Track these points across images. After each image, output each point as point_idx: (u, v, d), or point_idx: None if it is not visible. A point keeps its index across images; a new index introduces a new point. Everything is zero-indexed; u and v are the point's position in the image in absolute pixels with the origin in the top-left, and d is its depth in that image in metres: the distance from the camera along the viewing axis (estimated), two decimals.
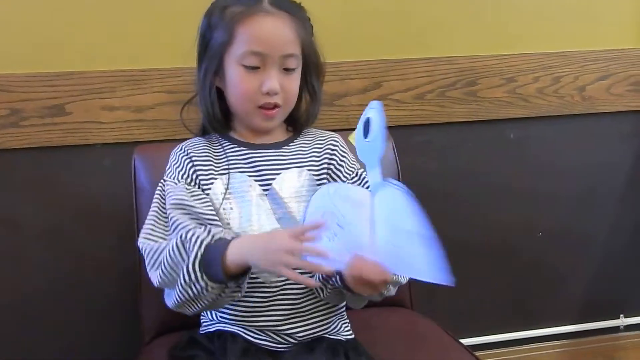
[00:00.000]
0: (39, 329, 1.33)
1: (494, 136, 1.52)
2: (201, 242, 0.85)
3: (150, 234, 0.95)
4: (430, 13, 1.43)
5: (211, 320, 1.02)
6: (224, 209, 0.97)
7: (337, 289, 0.93)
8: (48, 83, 1.26)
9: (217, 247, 0.85)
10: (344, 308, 1.05)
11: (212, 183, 0.98)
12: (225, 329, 0.98)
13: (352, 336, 1.04)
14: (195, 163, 0.99)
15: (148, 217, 0.98)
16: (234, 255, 0.84)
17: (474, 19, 1.46)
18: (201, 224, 0.91)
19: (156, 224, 0.96)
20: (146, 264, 0.93)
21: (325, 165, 1.02)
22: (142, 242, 0.94)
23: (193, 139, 1.04)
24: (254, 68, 0.95)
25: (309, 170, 1.01)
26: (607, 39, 1.53)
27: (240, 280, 0.87)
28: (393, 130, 1.31)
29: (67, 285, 1.33)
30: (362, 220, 0.84)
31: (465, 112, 1.47)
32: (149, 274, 0.93)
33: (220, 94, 1.01)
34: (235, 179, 0.98)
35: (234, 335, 0.97)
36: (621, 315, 1.68)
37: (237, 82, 0.96)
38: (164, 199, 0.98)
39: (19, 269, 1.31)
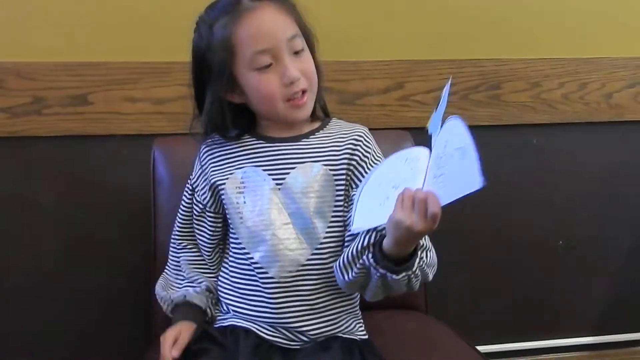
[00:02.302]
0: (48, 316, 1.34)
1: (516, 141, 1.50)
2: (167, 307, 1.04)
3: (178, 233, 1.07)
4: (454, 14, 1.42)
5: (225, 314, 1.01)
6: (237, 202, 0.96)
7: (364, 269, 0.88)
8: (72, 72, 1.27)
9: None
10: (358, 307, 1.03)
11: (227, 178, 0.98)
12: (239, 324, 0.97)
13: (366, 336, 1.02)
14: (205, 167, 1.01)
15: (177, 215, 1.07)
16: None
17: (498, 21, 1.44)
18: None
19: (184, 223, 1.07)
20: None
21: (346, 161, 0.98)
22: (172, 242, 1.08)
23: (214, 137, 1.02)
24: (267, 66, 0.93)
25: (325, 165, 0.98)
26: (635, 47, 1.51)
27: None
28: (414, 131, 1.30)
29: (79, 273, 1.34)
30: (418, 173, 0.82)
31: (488, 116, 1.45)
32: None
33: (235, 107, 0.99)
34: (251, 172, 0.98)
35: (246, 330, 0.96)
36: None
37: (258, 87, 0.94)
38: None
39: (31, 253, 1.32)
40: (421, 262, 0.85)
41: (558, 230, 1.55)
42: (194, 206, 1.04)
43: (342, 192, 0.96)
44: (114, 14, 1.27)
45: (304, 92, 0.95)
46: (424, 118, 1.39)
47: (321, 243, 0.96)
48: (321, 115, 1.04)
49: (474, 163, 0.75)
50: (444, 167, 0.78)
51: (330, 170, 0.97)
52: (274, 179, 0.97)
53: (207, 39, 0.94)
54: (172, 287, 1.05)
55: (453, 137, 0.79)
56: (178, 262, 1.06)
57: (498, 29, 1.44)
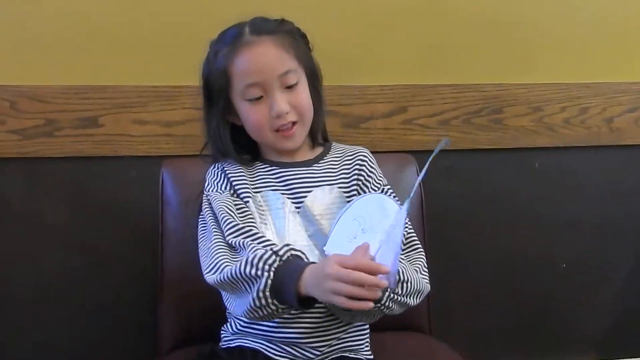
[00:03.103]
0: (54, 333, 1.35)
1: (518, 164, 1.51)
2: (269, 267, 0.85)
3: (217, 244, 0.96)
4: (457, 39, 1.45)
5: (233, 334, 1.02)
6: (259, 223, 0.98)
7: None
8: (83, 95, 1.29)
9: (289, 274, 0.85)
10: (368, 326, 1.04)
11: (247, 201, 1.00)
12: (247, 344, 0.98)
13: (372, 357, 1.04)
14: (231, 178, 1.01)
15: (208, 230, 0.98)
16: (305, 287, 0.84)
17: (500, 47, 1.46)
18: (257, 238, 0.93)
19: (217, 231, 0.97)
20: (203, 267, 0.94)
21: (355, 180, 1.03)
22: (208, 251, 0.95)
23: (227, 159, 1.05)
24: (258, 99, 0.98)
25: (340, 187, 1.02)
26: (635, 72, 1.52)
27: (311, 305, 0.87)
28: (417, 154, 1.32)
29: (87, 291, 1.35)
30: (384, 229, 0.87)
31: (490, 139, 1.47)
32: (205, 275, 0.93)
33: (237, 127, 1.03)
34: (269, 196, 1.01)
35: (254, 351, 0.97)
36: None
37: (247, 116, 1.00)
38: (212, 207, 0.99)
39: (41, 272, 1.33)
40: (391, 300, 0.88)
41: (560, 252, 1.56)
42: (227, 202, 0.98)
43: None
44: (124, 40, 1.30)
45: (294, 123, 0.99)
46: (427, 141, 1.45)
47: None
48: (321, 141, 1.09)
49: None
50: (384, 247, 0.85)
51: (344, 192, 1.02)
52: (292, 202, 1.00)
53: (211, 64, 1.01)
54: (257, 249, 0.90)
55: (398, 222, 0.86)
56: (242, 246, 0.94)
57: (500, 54, 1.46)
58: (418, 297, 0.94)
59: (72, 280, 1.34)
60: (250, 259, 0.86)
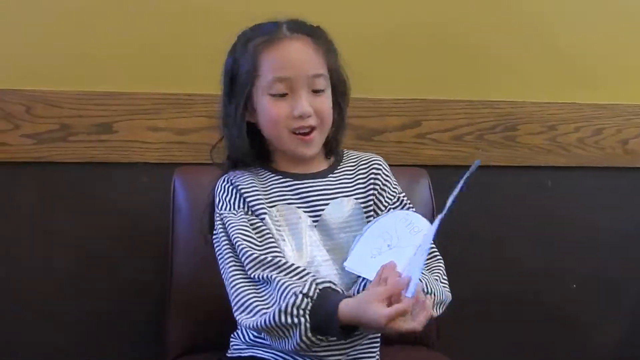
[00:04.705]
0: (61, 338, 1.34)
1: (530, 182, 1.50)
2: (303, 312, 0.83)
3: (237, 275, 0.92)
4: (471, 56, 1.45)
5: (244, 343, 0.99)
6: (277, 239, 0.95)
7: None
8: (98, 102, 1.30)
9: (327, 314, 0.83)
10: (379, 339, 1.02)
11: (263, 218, 0.95)
12: (259, 355, 0.96)
13: None
14: (243, 193, 0.97)
15: (223, 258, 0.94)
16: (346, 318, 0.82)
17: (514, 65, 1.46)
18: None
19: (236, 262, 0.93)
20: (231, 302, 0.91)
21: (371, 190, 1.01)
22: (236, 287, 0.90)
23: (236, 171, 1.01)
24: (282, 95, 0.94)
25: (357, 198, 1.00)
26: None
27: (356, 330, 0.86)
28: (429, 169, 1.32)
29: (95, 296, 1.34)
30: (409, 246, 0.89)
31: (503, 157, 1.47)
32: (236, 316, 0.90)
33: (253, 130, 1.00)
34: (285, 210, 0.97)
35: None
36: None
37: (267, 110, 0.95)
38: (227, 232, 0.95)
39: (49, 277, 1.33)
40: None
41: (571, 271, 1.54)
42: (243, 227, 0.94)
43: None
44: (139, 47, 1.31)
45: (313, 129, 0.96)
46: (440, 156, 1.44)
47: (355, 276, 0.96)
48: (331, 151, 1.05)
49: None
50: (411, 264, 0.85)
51: (361, 203, 1.00)
52: (309, 216, 0.97)
53: (239, 53, 0.97)
54: (287, 287, 0.86)
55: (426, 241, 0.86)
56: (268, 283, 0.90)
57: (514, 72, 1.47)
58: (441, 307, 0.93)
59: (81, 285, 1.34)
60: (283, 309, 0.83)
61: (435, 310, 0.89)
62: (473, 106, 1.45)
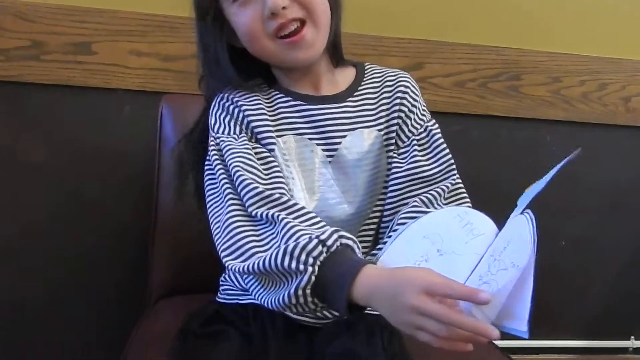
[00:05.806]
0: (34, 277, 1.26)
1: (529, 136, 1.46)
2: (314, 260, 0.68)
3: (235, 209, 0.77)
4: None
5: (240, 289, 0.88)
6: (284, 174, 0.81)
7: None
8: (75, 18, 1.19)
9: (340, 274, 0.67)
10: None
11: (272, 149, 0.81)
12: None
13: None
14: (249, 116, 0.82)
15: (218, 192, 0.79)
16: (361, 294, 0.66)
17: (520, 11, 1.39)
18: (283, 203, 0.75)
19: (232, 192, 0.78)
20: (218, 244, 0.76)
21: (396, 116, 0.85)
22: (225, 223, 0.75)
23: (235, 88, 0.84)
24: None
25: (379, 130, 0.85)
26: None
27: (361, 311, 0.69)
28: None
29: (72, 235, 1.26)
30: (471, 253, 0.69)
31: (505, 107, 1.41)
32: (225, 260, 0.75)
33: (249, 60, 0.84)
34: (294, 141, 0.83)
35: (271, 313, 0.81)
36: (632, 337, 1.63)
37: (239, 23, 0.80)
38: (225, 160, 0.79)
39: (20, 214, 1.24)
40: None
41: (562, 230, 1.51)
42: (246, 156, 0.79)
43: (390, 161, 0.85)
44: None
45: (302, 25, 0.79)
46: (440, 102, 1.37)
47: (369, 218, 0.86)
48: (348, 60, 0.89)
49: (526, 305, 0.62)
50: (493, 274, 0.65)
51: (383, 134, 0.85)
52: (323, 150, 0.84)
53: None
54: (295, 233, 0.70)
55: (516, 244, 0.67)
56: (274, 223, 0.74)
57: (520, 18, 1.39)
58: None
59: (56, 223, 1.25)
60: (290, 249, 0.68)
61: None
62: (477, 51, 1.37)
